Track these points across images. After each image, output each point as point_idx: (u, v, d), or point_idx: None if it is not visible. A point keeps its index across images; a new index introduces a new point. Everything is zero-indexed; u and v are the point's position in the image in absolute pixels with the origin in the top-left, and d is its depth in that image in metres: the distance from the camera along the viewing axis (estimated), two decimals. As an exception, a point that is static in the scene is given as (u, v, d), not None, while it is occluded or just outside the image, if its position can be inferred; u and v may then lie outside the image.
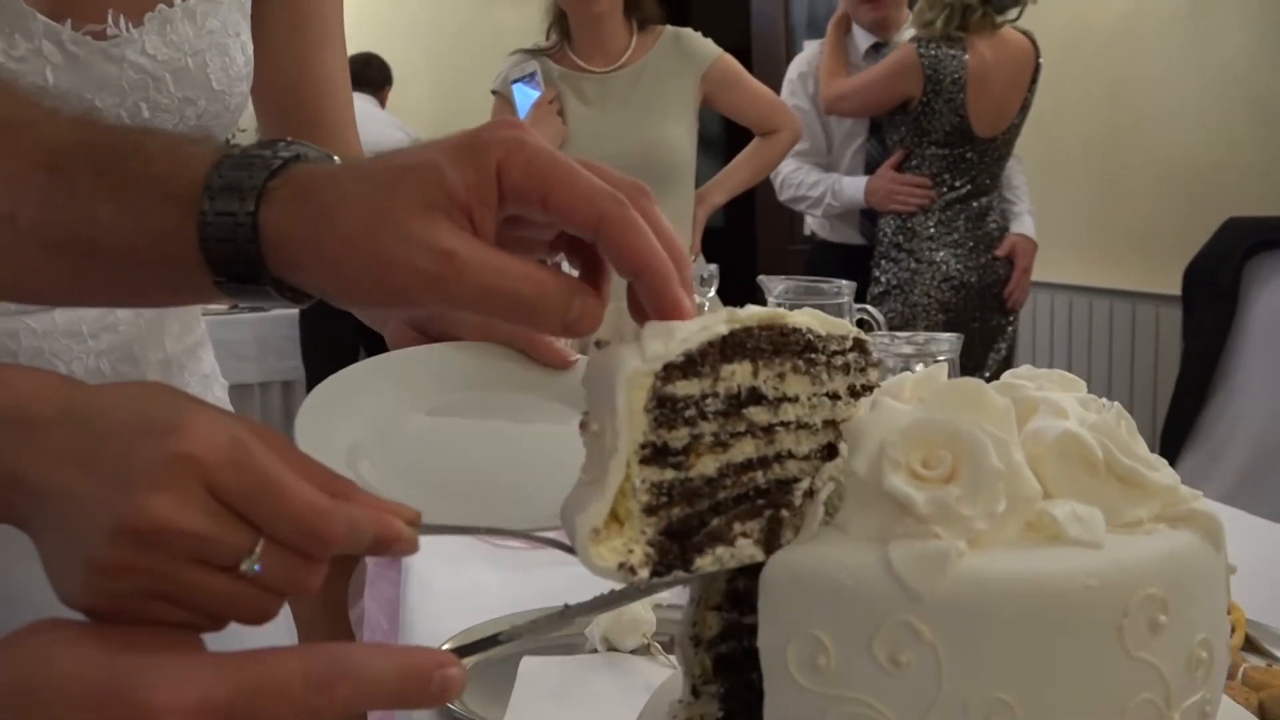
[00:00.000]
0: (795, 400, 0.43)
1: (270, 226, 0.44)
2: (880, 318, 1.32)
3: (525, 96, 2.07)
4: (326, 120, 0.88)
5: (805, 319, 0.43)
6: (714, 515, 0.42)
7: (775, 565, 0.41)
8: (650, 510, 0.40)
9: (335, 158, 0.49)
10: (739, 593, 0.47)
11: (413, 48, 4.90)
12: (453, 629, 0.85)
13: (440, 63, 5.04)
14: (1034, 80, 2.68)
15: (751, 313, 0.42)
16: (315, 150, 0.48)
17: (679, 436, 0.40)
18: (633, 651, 0.82)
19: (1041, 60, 2.69)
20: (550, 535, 0.47)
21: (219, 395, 0.93)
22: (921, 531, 0.38)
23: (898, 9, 2.77)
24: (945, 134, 2.62)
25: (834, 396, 0.45)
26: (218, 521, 0.37)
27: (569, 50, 2.14)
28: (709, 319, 0.41)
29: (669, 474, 0.40)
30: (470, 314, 0.55)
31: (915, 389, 0.48)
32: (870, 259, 2.69)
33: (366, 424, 0.52)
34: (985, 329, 2.69)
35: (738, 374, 0.41)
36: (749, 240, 4.76)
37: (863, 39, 2.81)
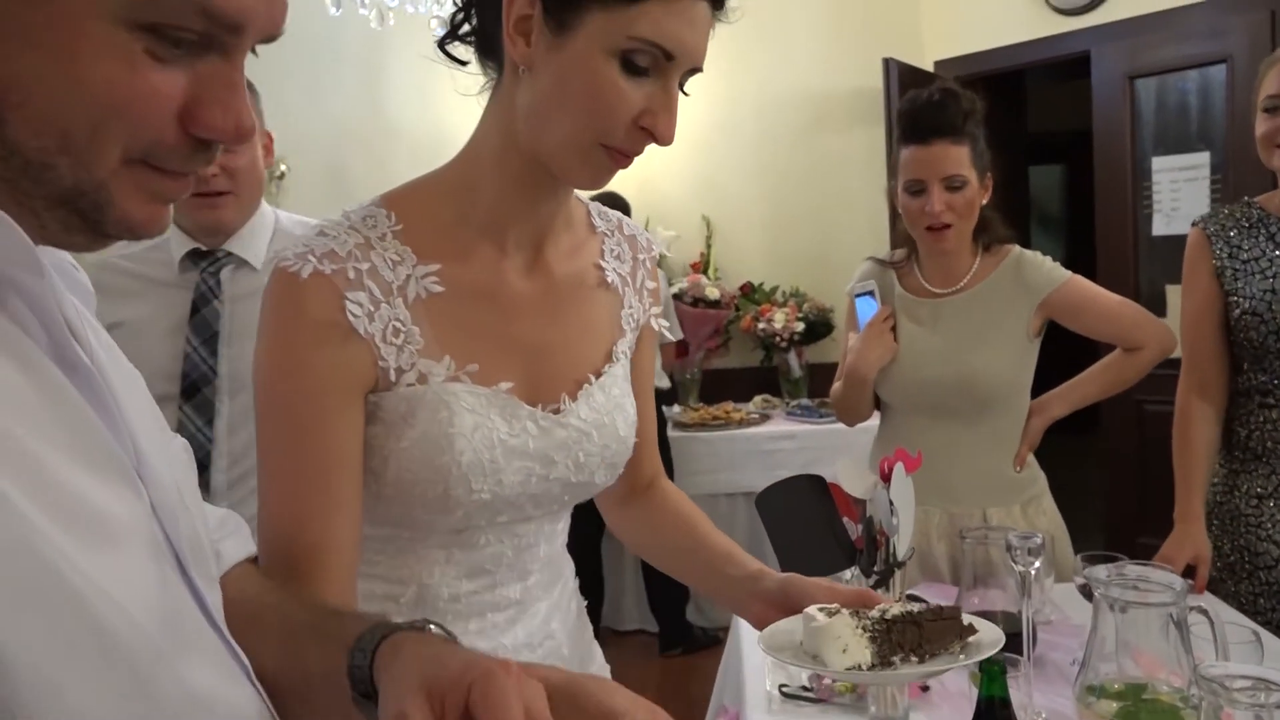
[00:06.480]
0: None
1: (377, 669, 0.74)
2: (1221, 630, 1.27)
3: (865, 308, 2.18)
4: (642, 438, 1.21)
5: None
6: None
7: None
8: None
9: (430, 626, 0.75)
10: None
11: (746, 172, 5.16)
12: None
13: (770, 190, 5.20)
14: None
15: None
16: (420, 623, 0.76)
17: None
18: None
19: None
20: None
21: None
22: None
23: (236, 212, 1.84)
24: None
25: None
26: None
27: (915, 267, 2.18)
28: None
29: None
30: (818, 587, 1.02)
31: None
32: None
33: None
34: None
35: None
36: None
37: (177, 245, 1.84)
